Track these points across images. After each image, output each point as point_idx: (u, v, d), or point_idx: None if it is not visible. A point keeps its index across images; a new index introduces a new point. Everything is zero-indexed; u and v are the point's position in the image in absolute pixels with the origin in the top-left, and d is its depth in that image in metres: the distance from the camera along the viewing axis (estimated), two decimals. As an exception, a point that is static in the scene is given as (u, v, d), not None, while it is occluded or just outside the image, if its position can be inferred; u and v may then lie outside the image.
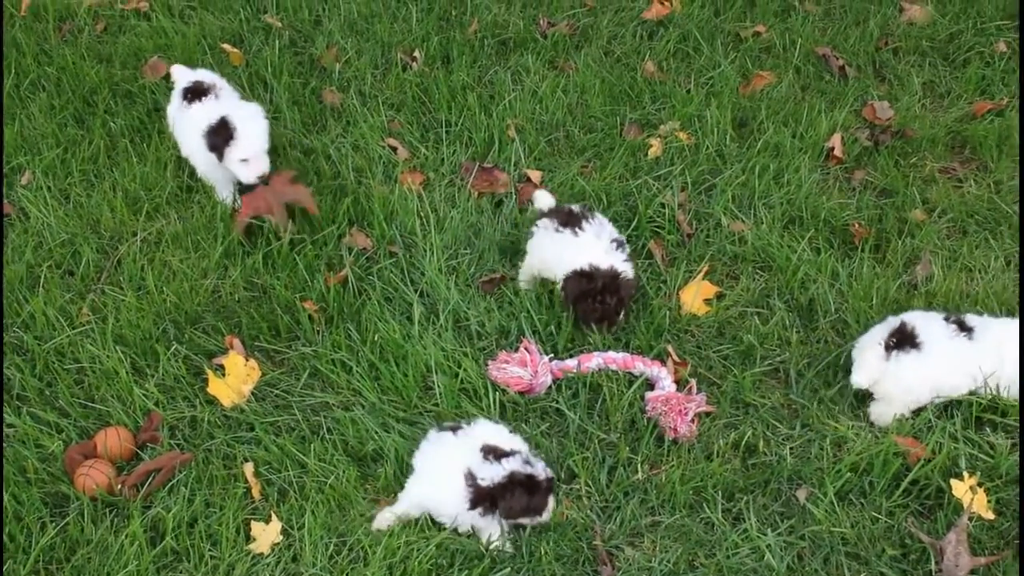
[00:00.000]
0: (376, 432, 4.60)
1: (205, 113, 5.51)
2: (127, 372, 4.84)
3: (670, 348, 4.90)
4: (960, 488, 4.34)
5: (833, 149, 5.96)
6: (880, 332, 4.64)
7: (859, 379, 4.65)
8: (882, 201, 5.68)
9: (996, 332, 4.62)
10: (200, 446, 4.64)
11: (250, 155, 5.41)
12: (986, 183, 5.80)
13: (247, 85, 6.33)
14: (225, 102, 5.62)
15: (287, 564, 4.25)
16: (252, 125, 5.44)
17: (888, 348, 4.58)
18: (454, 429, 4.30)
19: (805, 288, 5.20)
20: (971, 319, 4.67)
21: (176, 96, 5.74)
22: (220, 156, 5.41)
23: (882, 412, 4.67)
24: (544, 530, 4.31)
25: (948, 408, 4.65)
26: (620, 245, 5.02)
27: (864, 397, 4.75)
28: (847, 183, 5.84)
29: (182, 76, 5.82)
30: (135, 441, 4.59)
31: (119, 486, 4.41)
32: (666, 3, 7.02)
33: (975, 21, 6.87)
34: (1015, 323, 4.66)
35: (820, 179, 5.82)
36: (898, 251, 5.39)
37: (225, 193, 5.61)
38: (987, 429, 4.61)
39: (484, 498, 4.10)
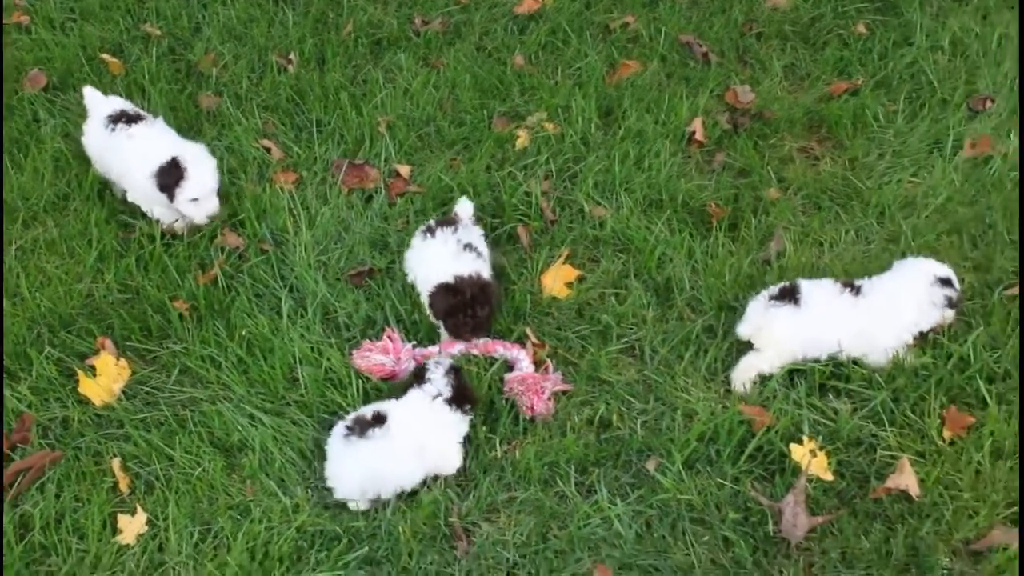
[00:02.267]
0: (241, 424, 4.69)
1: (143, 142, 5.60)
2: (-3, 377, 4.87)
3: (529, 331, 5.05)
4: (799, 452, 4.52)
5: (694, 133, 6.13)
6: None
7: (742, 329, 4.91)
8: (739, 181, 5.86)
9: (889, 287, 4.87)
10: (70, 444, 4.74)
11: (201, 195, 5.48)
12: (841, 160, 5.99)
13: (125, 93, 6.40)
14: (159, 132, 5.72)
15: (153, 554, 4.37)
16: (202, 166, 5.50)
17: (770, 299, 4.81)
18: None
19: (662, 268, 5.34)
20: (863, 281, 4.93)
21: (97, 120, 5.76)
22: (171, 197, 5.46)
23: (750, 364, 4.86)
24: (402, 509, 4.43)
25: (793, 376, 4.82)
26: (469, 247, 5.13)
27: (718, 369, 4.98)
28: (707, 165, 6.02)
29: (98, 100, 5.84)
30: (6, 443, 4.64)
31: (-13, 488, 4.48)
32: (531, -2, 7.15)
33: (836, 4, 7.03)
34: (911, 270, 4.92)
35: (681, 163, 5.99)
36: (752, 228, 5.55)
37: (163, 215, 5.66)
38: (831, 396, 4.76)
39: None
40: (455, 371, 4.65)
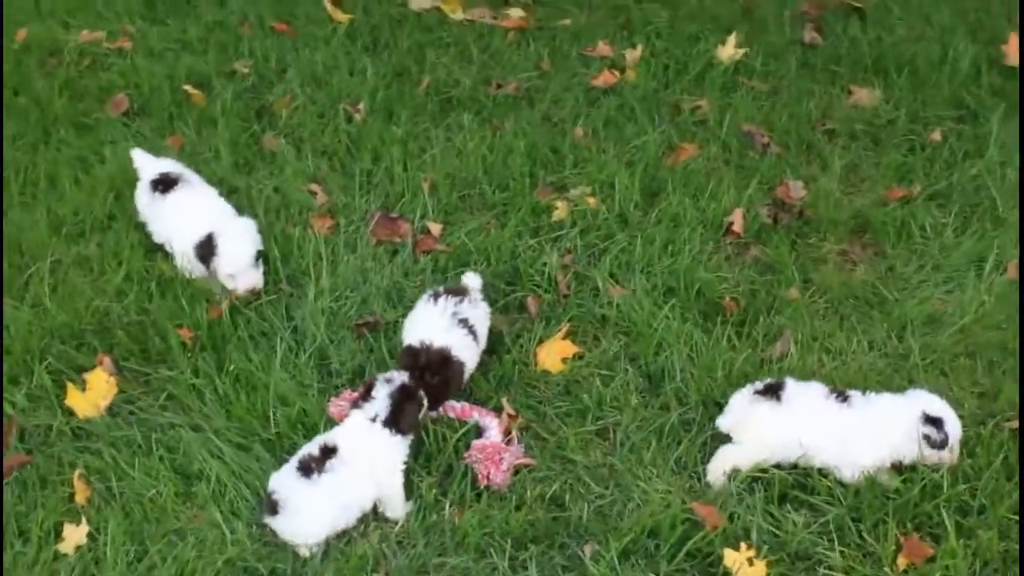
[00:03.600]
0: (203, 454, 4.83)
1: (184, 211, 5.78)
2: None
3: (505, 400, 5.06)
4: (732, 557, 4.42)
5: (732, 224, 6.03)
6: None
7: (722, 420, 4.85)
8: (764, 277, 5.75)
9: (878, 406, 4.76)
10: (44, 452, 4.93)
11: (236, 271, 5.58)
12: (878, 268, 5.85)
13: (196, 126, 6.69)
14: (199, 197, 5.89)
15: (88, 565, 4.53)
16: (239, 241, 5.60)
17: (754, 392, 4.77)
18: None
19: (659, 355, 5.29)
20: (856, 393, 4.82)
21: (144, 183, 5.94)
22: (208, 269, 5.62)
23: (727, 456, 4.79)
24: (334, 558, 4.53)
25: (755, 482, 4.73)
26: (464, 323, 5.16)
27: (688, 463, 4.95)
28: (738, 258, 5.93)
29: (146, 162, 6.03)
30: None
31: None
32: (615, 72, 7.16)
33: (918, 108, 6.87)
34: (909, 400, 4.78)
35: (711, 252, 5.92)
36: (760, 326, 5.45)
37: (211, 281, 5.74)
38: (789, 506, 4.63)
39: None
40: (401, 390, 4.69)
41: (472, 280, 5.47)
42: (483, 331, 5.28)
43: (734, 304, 5.61)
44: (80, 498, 4.79)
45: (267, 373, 5.23)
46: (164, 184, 5.84)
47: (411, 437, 4.75)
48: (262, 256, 5.67)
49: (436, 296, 5.28)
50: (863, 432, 4.68)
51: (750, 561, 4.45)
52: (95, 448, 5.02)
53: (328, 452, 4.60)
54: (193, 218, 5.70)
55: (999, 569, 4.45)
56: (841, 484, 4.70)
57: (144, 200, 5.97)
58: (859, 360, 5.35)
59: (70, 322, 5.51)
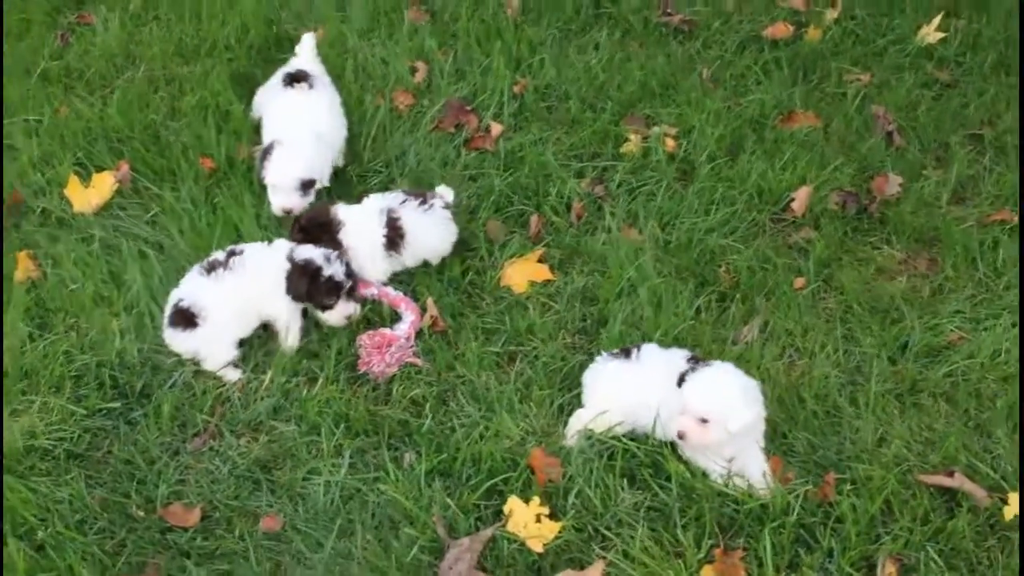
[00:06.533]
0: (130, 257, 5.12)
1: (299, 100, 5.70)
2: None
3: (431, 300, 5.03)
4: (514, 504, 4.27)
5: (794, 201, 5.61)
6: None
7: (584, 378, 4.67)
8: (780, 259, 5.33)
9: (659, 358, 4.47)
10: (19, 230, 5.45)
11: (278, 184, 5.35)
12: (919, 286, 5.27)
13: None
14: (315, 96, 5.74)
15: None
16: (292, 152, 5.35)
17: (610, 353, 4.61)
18: None
19: (617, 302, 5.06)
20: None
21: (277, 79, 5.85)
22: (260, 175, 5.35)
23: (578, 418, 4.60)
24: (184, 387, 4.80)
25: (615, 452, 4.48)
26: (391, 221, 5.18)
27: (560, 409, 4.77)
28: (777, 235, 5.51)
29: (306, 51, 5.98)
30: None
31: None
32: (790, 27, 6.77)
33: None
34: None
35: (752, 222, 5.53)
36: (743, 306, 5.14)
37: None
38: (626, 482, 4.42)
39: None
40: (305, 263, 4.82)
41: (443, 192, 5.39)
42: (417, 237, 5.21)
43: (728, 276, 5.22)
44: (19, 274, 5.15)
45: (243, 216, 5.37)
46: (294, 79, 5.74)
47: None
48: (314, 188, 5.42)
49: (402, 191, 5.30)
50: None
51: (537, 517, 4.20)
52: (62, 236, 5.40)
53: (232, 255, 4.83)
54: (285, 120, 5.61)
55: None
56: (694, 473, 4.37)
57: (267, 90, 5.91)
58: (823, 364, 4.82)
59: (119, 127, 5.87)
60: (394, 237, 5.11)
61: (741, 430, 4.17)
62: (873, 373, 4.82)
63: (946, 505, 4.30)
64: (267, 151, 5.32)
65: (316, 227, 5.03)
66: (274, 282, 4.80)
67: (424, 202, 5.18)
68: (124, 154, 5.77)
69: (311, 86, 5.70)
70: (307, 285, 4.77)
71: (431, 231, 5.20)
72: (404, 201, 5.16)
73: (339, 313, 4.90)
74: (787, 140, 6.00)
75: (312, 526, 4.29)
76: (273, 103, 5.76)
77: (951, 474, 4.37)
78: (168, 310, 4.80)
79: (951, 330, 5.03)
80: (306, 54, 5.93)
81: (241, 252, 4.82)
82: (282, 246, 4.87)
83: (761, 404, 4.26)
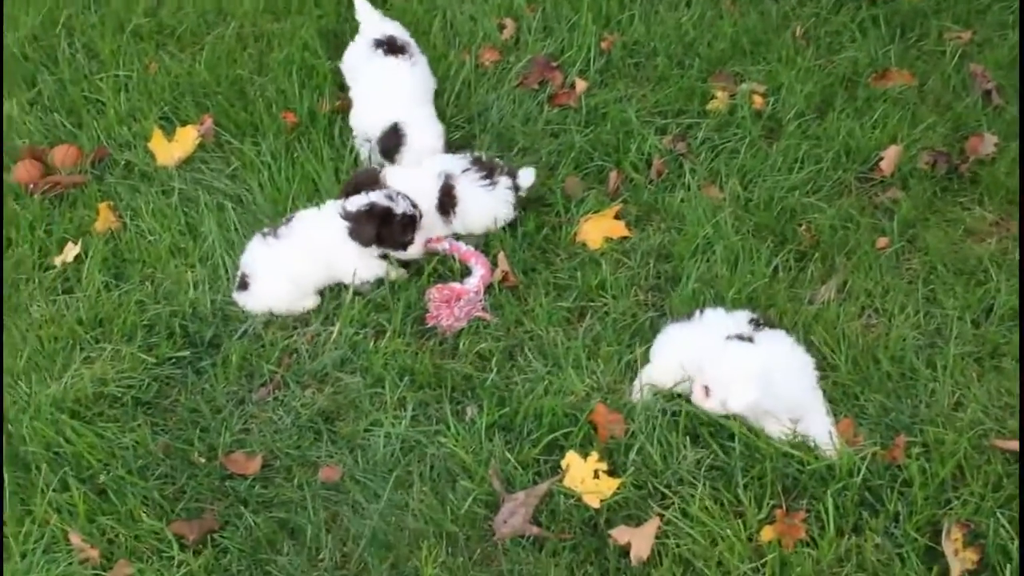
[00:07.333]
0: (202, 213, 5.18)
1: (405, 75, 5.60)
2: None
3: (502, 255, 5.01)
4: (572, 459, 4.28)
5: (882, 160, 5.46)
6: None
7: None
8: (864, 218, 5.19)
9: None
10: (97, 185, 5.55)
11: (417, 157, 5.35)
12: (1013, 246, 5.10)
13: None
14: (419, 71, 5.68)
15: (70, 280, 5.08)
16: (424, 133, 5.42)
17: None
18: None
19: (693, 259, 4.99)
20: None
21: (366, 42, 5.72)
22: (391, 159, 5.38)
23: (646, 374, 4.58)
24: (252, 338, 4.82)
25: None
26: (446, 187, 5.13)
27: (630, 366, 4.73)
28: (863, 195, 5.37)
29: (371, 19, 5.85)
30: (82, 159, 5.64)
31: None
32: None
33: None
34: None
35: (838, 181, 5.40)
36: (823, 265, 5.03)
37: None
38: (688, 440, 4.37)
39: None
40: (372, 207, 4.83)
41: (524, 174, 5.27)
42: (469, 210, 5.15)
43: (808, 235, 5.09)
44: (99, 225, 5.24)
45: (321, 171, 5.40)
46: (389, 47, 5.64)
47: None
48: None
49: (471, 158, 5.23)
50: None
51: (596, 473, 4.16)
52: (143, 188, 5.49)
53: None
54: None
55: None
56: (757, 434, 4.29)
57: (359, 55, 5.77)
58: (902, 326, 4.69)
59: (206, 82, 5.94)
60: (446, 203, 5.06)
61: (743, 410, 4.17)
62: (953, 335, 4.63)
63: (1021, 472, 4.09)
64: (391, 136, 5.31)
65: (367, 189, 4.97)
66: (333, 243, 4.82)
67: (489, 177, 5.09)
68: (209, 109, 5.81)
69: (411, 56, 5.65)
70: (377, 228, 4.76)
71: (485, 207, 5.12)
72: (467, 170, 5.08)
73: (419, 244, 4.93)
74: (879, 98, 5.80)
75: (370, 477, 4.30)
76: (375, 73, 5.67)
77: (1029, 439, 4.17)
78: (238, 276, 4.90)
79: (1041, 292, 4.78)
80: (366, 15, 5.87)
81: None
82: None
83: (780, 388, 4.18)
